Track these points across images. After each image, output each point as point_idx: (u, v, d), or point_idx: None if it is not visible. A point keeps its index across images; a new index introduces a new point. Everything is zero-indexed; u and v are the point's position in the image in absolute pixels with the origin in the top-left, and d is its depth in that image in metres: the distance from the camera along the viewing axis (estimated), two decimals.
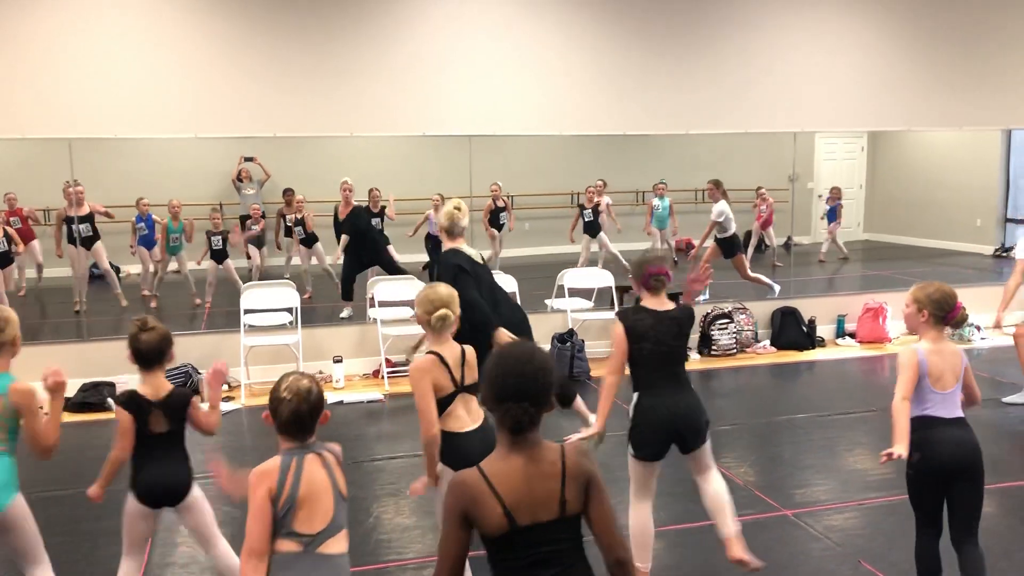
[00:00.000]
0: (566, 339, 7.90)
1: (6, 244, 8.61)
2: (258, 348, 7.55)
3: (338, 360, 7.62)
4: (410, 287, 8.23)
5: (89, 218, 9.08)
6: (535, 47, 8.29)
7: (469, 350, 3.57)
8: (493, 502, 2.08)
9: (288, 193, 10.35)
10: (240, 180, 11.20)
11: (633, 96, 8.54)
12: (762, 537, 4.46)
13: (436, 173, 9.07)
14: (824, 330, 9.04)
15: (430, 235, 10.15)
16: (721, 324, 8.57)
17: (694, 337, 8.64)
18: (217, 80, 7.59)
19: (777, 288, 9.33)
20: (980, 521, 3.47)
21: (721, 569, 4.05)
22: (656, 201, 11.22)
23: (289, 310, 7.80)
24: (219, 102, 7.60)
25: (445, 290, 3.53)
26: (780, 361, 8.44)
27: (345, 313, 8.75)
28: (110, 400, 6.97)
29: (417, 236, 10.46)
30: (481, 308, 4.70)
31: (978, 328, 8.95)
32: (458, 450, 3.39)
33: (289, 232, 10.34)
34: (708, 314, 8.58)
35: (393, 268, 9.12)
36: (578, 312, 8.48)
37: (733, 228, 9.39)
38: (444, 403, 3.47)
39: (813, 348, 8.78)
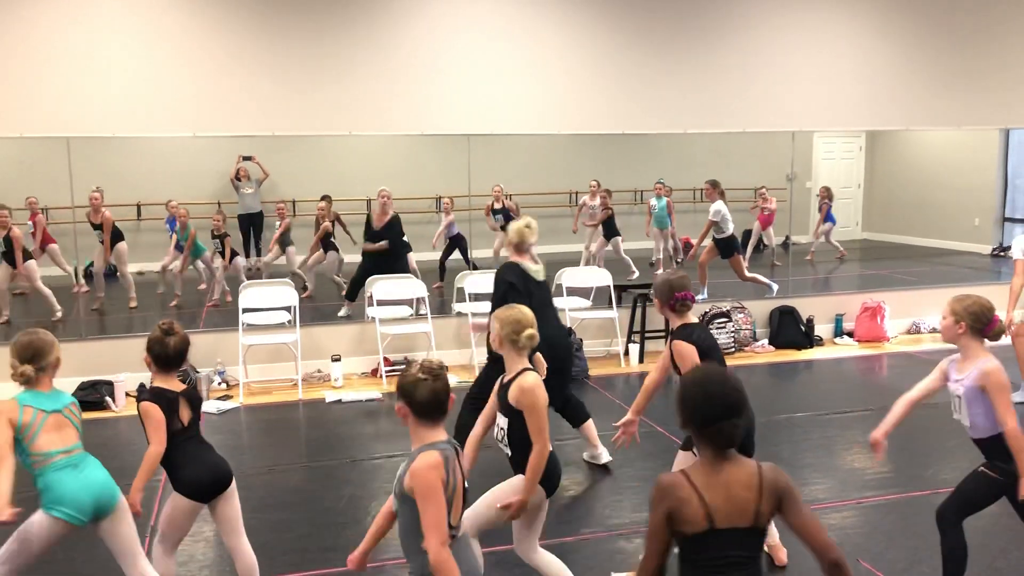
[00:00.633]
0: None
1: (3, 244, 8.56)
2: (256, 347, 7.55)
3: (336, 359, 7.62)
4: (408, 286, 8.24)
5: (101, 227, 9.13)
6: (533, 46, 8.30)
7: (523, 382, 3.50)
8: (697, 503, 2.25)
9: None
10: (238, 179, 11.19)
11: (631, 95, 8.54)
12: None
13: (434, 172, 9.07)
14: (822, 329, 9.05)
15: (448, 237, 10.23)
16: (719, 323, 8.58)
17: None
18: (216, 79, 7.59)
19: (775, 287, 9.33)
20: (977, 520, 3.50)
21: None
22: (653, 201, 11.21)
23: (288, 309, 7.80)
24: (217, 101, 7.60)
25: (528, 311, 3.55)
26: (778, 360, 8.45)
27: (343, 312, 8.74)
28: (108, 399, 6.98)
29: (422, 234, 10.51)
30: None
31: None
32: (552, 466, 3.46)
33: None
34: (706, 313, 8.58)
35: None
36: (576, 311, 8.48)
37: (731, 229, 9.39)
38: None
39: (811, 347, 8.79)
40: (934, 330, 9.32)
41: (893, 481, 5.23)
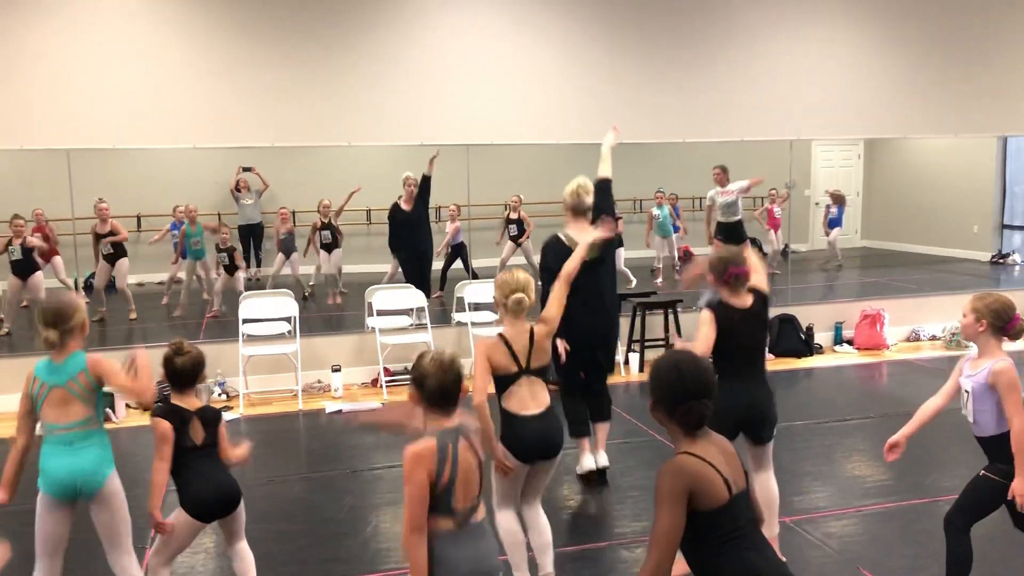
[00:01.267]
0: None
1: (21, 253, 8.58)
2: (257, 357, 7.56)
3: (336, 369, 7.62)
4: (408, 296, 8.24)
5: (111, 234, 9.14)
6: (532, 57, 8.33)
7: (538, 331, 3.69)
8: (718, 477, 2.32)
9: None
10: (238, 190, 11.21)
11: (630, 105, 8.56)
12: None
13: (434, 182, 9.07)
14: (822, 337, 9.06)
15: (453, 245, 10.28)
16: None
17: (691, 345, 8.64)
18: (215, 91, 7.61)
19: (704, 295, 9.32)
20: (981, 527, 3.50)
21: None
22: (655, 210, 11.21)
23: (288, 319, 7.81)
24: (217, 112, 7.63)
25: (523, 275, 3.66)
26: (778, 368, 8.45)
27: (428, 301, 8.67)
28: (108, 410, 6.98)
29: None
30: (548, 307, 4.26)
31: None
32: (514, 431, 3.59)
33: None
34: None
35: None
36: None
37: (739, 215, 9.37)
38: (506, 383, 3.65)
39: (811, 355, 8.79)
40: (934, 337, 9.33)
41: (893, 489, 5.23)
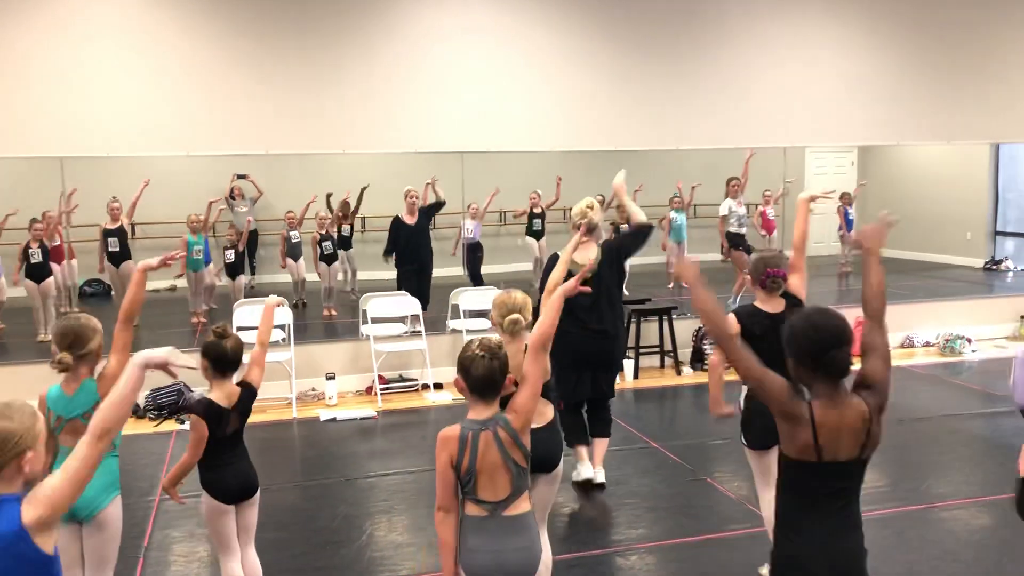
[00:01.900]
0: None
1: (41, 256, 8.61)
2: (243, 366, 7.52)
3: (331, 377, 7.61)
4: (403, 304, 8.23)
5: (118, 232, 9.10)
6: (527, 65, 8.35)
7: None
8: (808, 435, 2.39)
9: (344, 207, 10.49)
10: (233, 198, 11.19)
11: (623, 112, 8.59)
12: (756, 551, 4.46)
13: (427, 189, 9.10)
14: None
15: (467, 245, 10.25)
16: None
17: (686, 352, 8.65)
18: (210, 98, 7.62)
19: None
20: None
21: None
22: (673, 214, 11.18)
23: (282, 327, 7.79)
24: (211, 120, 7.63)
25: (520, 296, 3.65)
26: None
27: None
28: None
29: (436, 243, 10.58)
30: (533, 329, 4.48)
31: (969, 341, 8.99)
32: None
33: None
34: (700, 328, 8.59)
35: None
36: None
37: (738, 228, 9.43)
38: (504, 398, 3.57)
39: None
40: (928, 344, 9.34)
41: (888, 495, 5.22)
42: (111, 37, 7.41)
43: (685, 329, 8.64)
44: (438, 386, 7.91)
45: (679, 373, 8.41)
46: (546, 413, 3.68)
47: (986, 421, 6.62)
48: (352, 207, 10.44)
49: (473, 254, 10.28)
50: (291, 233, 10.31)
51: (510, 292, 3.67)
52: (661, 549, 4.55)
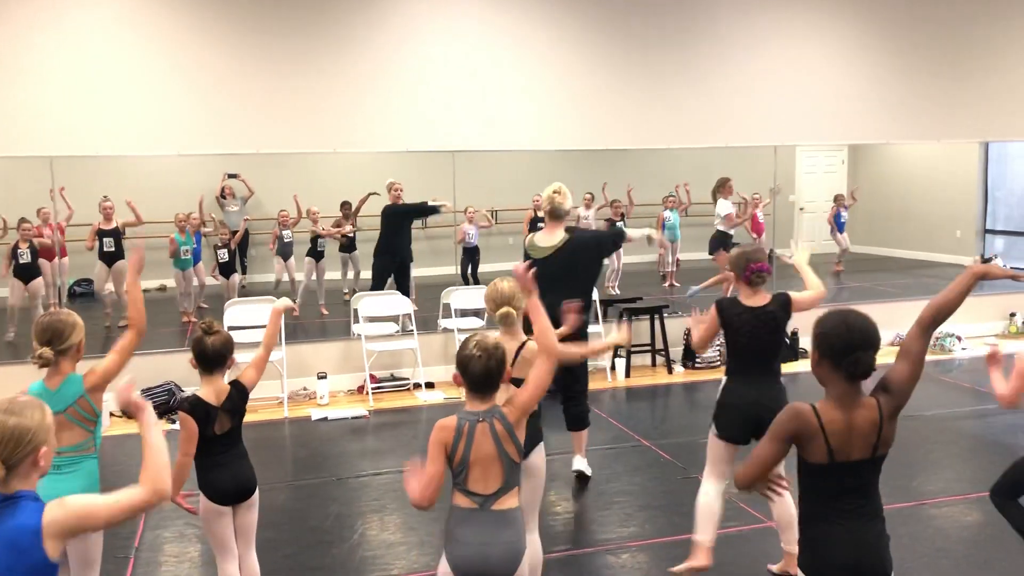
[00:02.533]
0: None
1: (30, 257, 8.58)
2: (242, 364, 7.50)
3: (322, 376, 7.60)
4: (394, 302, 8.23)
5: (113, 232, 9.07)
6: (518, 64, 8.34)
7: (530, 346, 3.58)
8: (821, 440, 2.44)
9: (345, 207, 10.44)
10: (223, 197, 11.16)
11: (616, 112, 8.59)
12: (747, 549, 4.48)
13: (420, 188, 9.05)
14: (807, 342, 9.07)
15: (465, 249, 10.25)
16: None
17: (677, 350, 8.67)
18: (200, 98, 7.59)
19: (690, 291, 9.42)
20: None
21: None
22: (667, 213, 11.21)
23: None
24: (202, 120, 7.60)
25: (508, 287, 3.61)
26: None
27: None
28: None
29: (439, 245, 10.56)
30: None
31: (959, 338, 9.02)
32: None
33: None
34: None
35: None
36: None
37: (726, 228, 9.45)
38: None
39: (796, 360, 8.81)
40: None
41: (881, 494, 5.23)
42: (101, 36, 7.37)
43: (676, 328, 8.66)
44: (430, 385, 7.91)
45: (670, 371, 8.43)
46: None
47: (976, 418, 6.65)
48: (353, 208, 10.41)
49: (471, 257, 10.30)
50: (284, 232, 10.28)
51: (496, 284, 3.64)
52: (652, 547, 4.56)
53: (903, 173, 13.29)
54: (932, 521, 4.85)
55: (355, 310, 8.12)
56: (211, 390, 3.43)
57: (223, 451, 3.44)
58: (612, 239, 5.50)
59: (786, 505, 3.99)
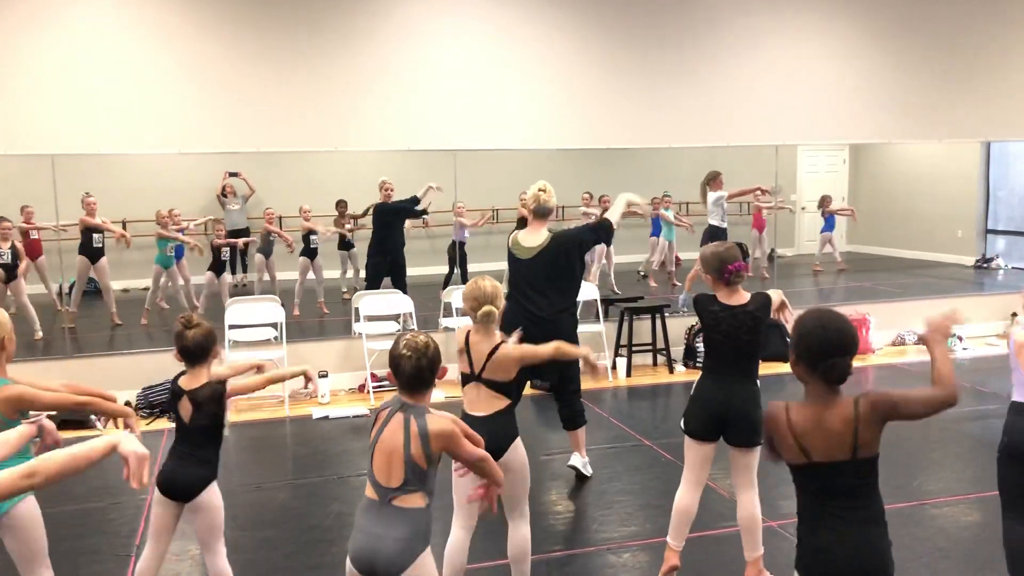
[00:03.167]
0: None
1: (9, 257, 8.57)
2: (239, 361, 7.50)
3: (323, 375, 7.60)
4: (395, 301, 8.23)
5: (98, 229, 9.08)
6: (519, 63, 8.34)
7: (502, 349, 3.57)
8: (791, 440, 2.48)
9: (341, 205, 10.47)
10: (224, 195, 11.16)
11: (616, 111, 8.58)
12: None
13: (421, 187, 9.07)
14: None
15: (455, 242, 10.21)
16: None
17: (678, 350, 8.67)
18: (201, 96, 7.59)
19: (680, 299, 9.29)
20: None
21: None
22: (663, 211, 11.23)
23: (274, 325, 7.77)
24: (203, 118, 7.60)
25: (490, 285, 3.58)
26: (764, 373, 8.36)
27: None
28: (92, 417, 6.92)
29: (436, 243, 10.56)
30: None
31: (960, 338, 9.02)
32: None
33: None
34: (693, 327, 8.60)
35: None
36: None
37: (720, 222, 9.38)
38: (463, 380, 3.68)
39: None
40: (920, 341, 9.36)
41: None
42: (101, 35, 7.37)
43: (677, 327, 8.66)
44: None
45: (672, 371, 8.42)
46: (494, 404, 3.60)
47: (977, 418, 6.65)
48: (358, 220, 10.40)
49: (460, 251, 10.28)
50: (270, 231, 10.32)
51: (477, 282, 3.60)
52: (654, 546, 4.56)
53: (905, 173, 13.29)
54: (933, 521, 4.84)
55: (356, 309, 8.13)
56: (190, 379, 3.47)
57: (180, 443, 3.47)
58: (594, 231, 5.39)
59: (751, 508, 3.99)
